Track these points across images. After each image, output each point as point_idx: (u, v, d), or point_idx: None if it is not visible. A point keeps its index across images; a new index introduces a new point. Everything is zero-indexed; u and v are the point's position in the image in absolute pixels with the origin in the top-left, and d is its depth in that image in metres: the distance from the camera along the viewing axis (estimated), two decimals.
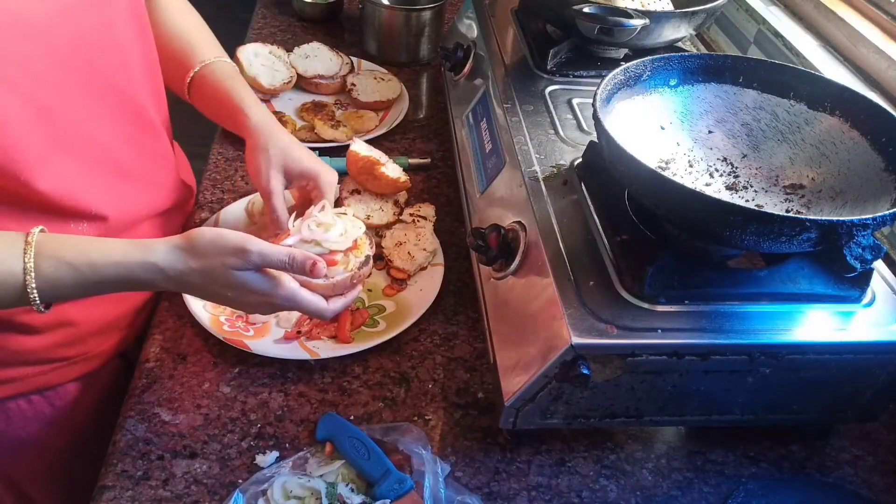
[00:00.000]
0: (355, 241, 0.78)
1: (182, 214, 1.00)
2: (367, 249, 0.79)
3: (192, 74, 0.92)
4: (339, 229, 0.77)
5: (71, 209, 0.75)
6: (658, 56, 0.81)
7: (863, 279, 0.72)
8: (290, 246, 0.72)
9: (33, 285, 0.63)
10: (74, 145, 0.74)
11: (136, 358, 0.85)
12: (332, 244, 0.75)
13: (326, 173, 0.87)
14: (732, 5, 1.30)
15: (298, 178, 0.88)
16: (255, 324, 0.87)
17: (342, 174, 1.08)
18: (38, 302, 0.64)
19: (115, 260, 0.65)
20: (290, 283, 0.70)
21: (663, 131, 0.83)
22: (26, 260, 0.62)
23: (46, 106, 0.70)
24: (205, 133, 1.26)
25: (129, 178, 0.83)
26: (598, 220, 0.77)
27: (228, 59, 0.96)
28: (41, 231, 0.64)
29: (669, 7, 1.06)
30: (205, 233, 0.67)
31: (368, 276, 0.81)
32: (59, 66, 0.70)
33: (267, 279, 0.69)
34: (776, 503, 0.74)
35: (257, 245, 0.67)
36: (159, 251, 0.66)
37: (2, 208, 0.71)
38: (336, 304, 0.75)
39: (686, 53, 0.86)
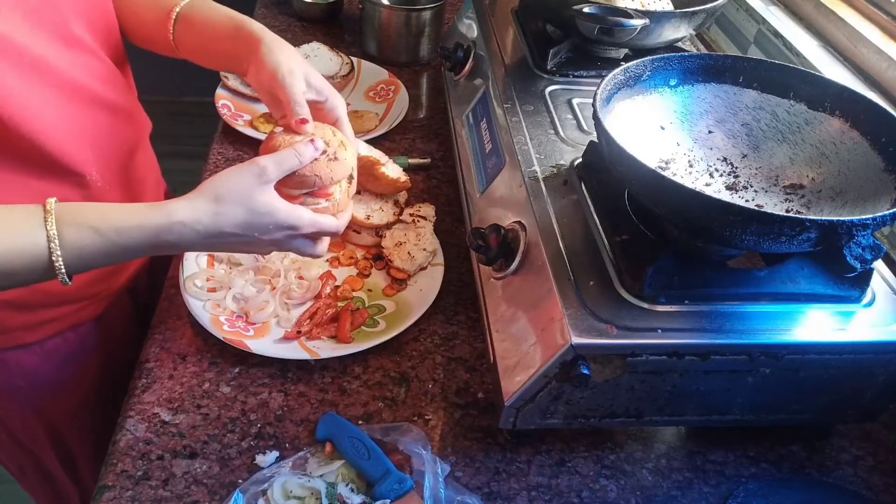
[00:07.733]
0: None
1: (147, 150, 0.99)
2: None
3: (174, 16, 0.85)
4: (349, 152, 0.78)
5: (67, 165, 0.77)
6: (658, 56, 0.81)
7: (863, 279, 0.72)
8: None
9: (58, 253, 0.60)
10: (65, 94, 0.76)
11: (142, 296, 0.97)
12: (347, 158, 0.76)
13: (338, 95, 0.81)
14: (732, 5, 1.30)
15: (317, 92, 0.79)
16: (255, 324, 0.87)
17: None
18: (63, 272, 0.61)
19: (136, 223, 0.63)
20: (308, 212, 0.72)
21: (663, 131, 0.83)
22: (48, 228, 0.60)
23: (35, 61, 0.71)
24: (205, 133, 1.26)
25: (110, 110, 0.85)
26: (598, 220, 0.77)
27: None
28: (56, 201, 0.62)
29: (669, 7, 1.06)
30: (214, 177, 0.67)
31: (356, 191, 0.86)
32: (33, 17, 0.71)
33: (291, 212, 0.69)
34: (776, 503, 0.74)
35: (264, 159, 0.67)
36: (181, 208, 0.64)
37: (12, 167, 0.73)
38: (343, 218, 0.78)
39: (686, 53, 0.86)
